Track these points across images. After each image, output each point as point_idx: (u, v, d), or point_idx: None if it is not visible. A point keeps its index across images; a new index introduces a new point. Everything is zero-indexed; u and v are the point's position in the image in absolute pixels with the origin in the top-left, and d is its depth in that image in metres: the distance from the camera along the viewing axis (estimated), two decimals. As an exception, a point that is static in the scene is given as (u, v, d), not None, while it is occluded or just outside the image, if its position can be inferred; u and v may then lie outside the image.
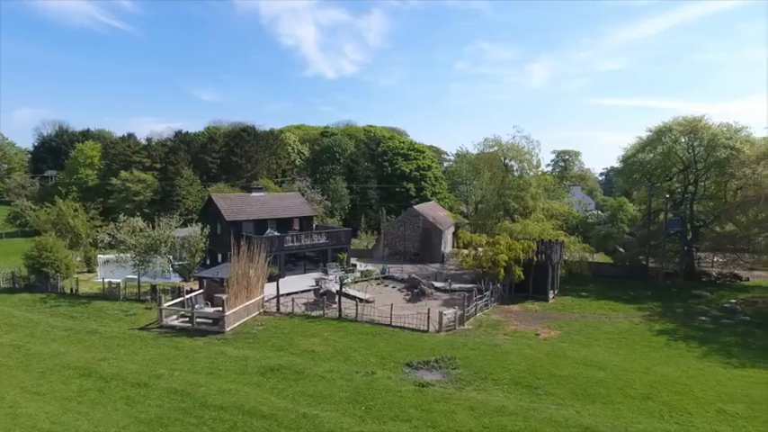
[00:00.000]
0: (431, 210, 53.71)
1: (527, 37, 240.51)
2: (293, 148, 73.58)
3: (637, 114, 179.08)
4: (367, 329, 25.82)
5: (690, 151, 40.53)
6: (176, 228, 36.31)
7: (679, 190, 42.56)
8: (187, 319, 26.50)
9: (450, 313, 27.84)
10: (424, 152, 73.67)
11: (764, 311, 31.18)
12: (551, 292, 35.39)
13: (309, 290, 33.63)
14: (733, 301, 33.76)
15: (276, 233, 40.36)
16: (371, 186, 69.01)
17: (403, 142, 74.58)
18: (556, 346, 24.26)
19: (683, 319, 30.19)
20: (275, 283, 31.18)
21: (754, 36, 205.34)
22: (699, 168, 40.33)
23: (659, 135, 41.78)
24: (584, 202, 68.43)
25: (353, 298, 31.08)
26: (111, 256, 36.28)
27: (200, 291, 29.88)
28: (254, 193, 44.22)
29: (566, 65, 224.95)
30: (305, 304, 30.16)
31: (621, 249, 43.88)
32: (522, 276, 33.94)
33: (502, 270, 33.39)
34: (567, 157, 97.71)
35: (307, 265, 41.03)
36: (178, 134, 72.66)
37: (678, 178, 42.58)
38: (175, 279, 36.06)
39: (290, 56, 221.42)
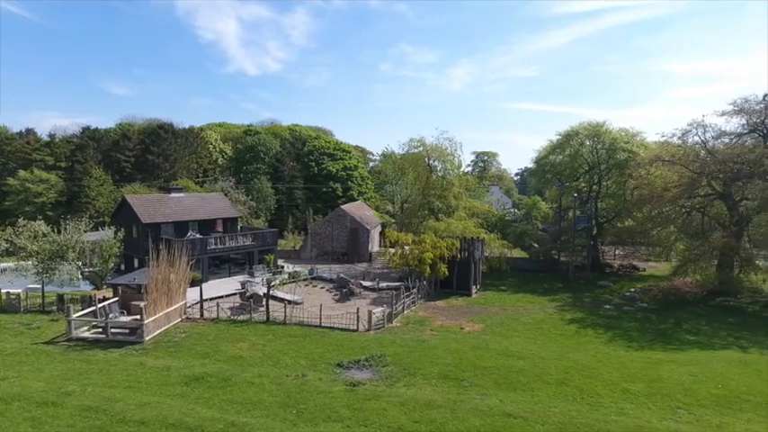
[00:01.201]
0: (358, 209, 54.06)
1: (448, 42, 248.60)
2: (215, 147, 70.76)
3: (548, 118, 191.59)
4: (296, 332, 25.57)
5: (594, 153, 44.14)
6: (86, 232, 33.71)
7: (585, 189, 46.16)
8: (100, 329, 24.76)
9: (378, 312, 28.28)
10: (350, 152, 73.89)
11: (658, 298, 34.67)
12: (474, 287, 37.01)
13: (235, 293, 32.67)
14: (633, 289, 37.28)
15: (198, 235, 38.74)
16: (298, 186, 68.10)
17: (329, 142, 74.31)
18: (479, 338, 25.45)
19: (591, 308, 32.86)
20: (198, 287, 29.95)
21: (647, 49, 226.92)
22: (602, 169, 44.02)
23: (567, 138, 45.19)
24: (502, 201, 72.13)
25: (282, 300, 30.62)
26: (10, 264, 32.97)
27: (115, 299, 28.02)
28: (173, 194, 42.11)
29: (484, 70, 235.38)
30: (231, 309, 29.26)
31: (536, 245, 46.80)
32: (447, 273, 35.19)
33: (428, 267, 34.42)
34: (486, 157, 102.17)
35: (232, 268, 39.76)
36: (86, 130, 67.25)
37: (584, 178, 46.16)
38: (86, 287, 33.50)
39: (209, 50, 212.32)
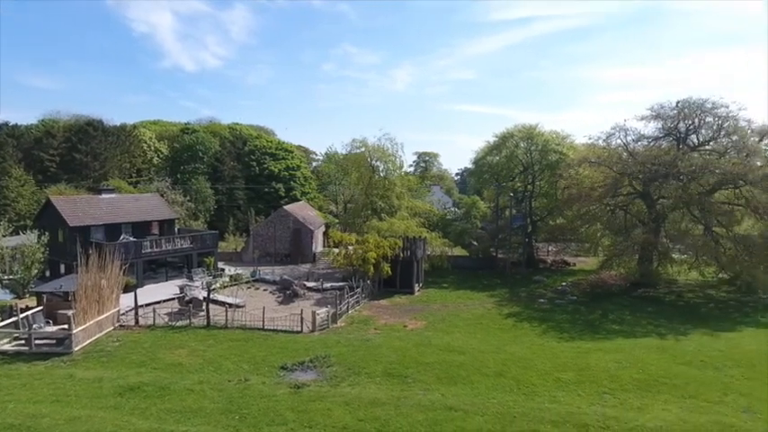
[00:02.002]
0: (301, 210, 53.60)
1: (390, 43, 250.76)
2: (150, 146, 67.58)
3: (487, 120, 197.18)
4: (238, 335, 25.12)
5: (528, 155, 46.29)
6: (5, 236, 31.32)
7: (521, 189, 48.29)
8: (23, 341, 23.16)
9: (322, 312, 28.30)
10: (292, 152, 73.02)
11: (587, 291, 36.93)
12: (417, 285, 37.80)
13: (173, 298, 31.55)
14: (564, 283, 39.47)
15: (132, 238, 37.03)
16: (239, 187, 66.47)
17: (271, 141, 73.05)
18: (422, 335, 26.10)
19: (527, 302, 34.49)
20: (133, 293, 28.67)
21: (575, 56, 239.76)
22: (535, 170, 46.24)
23: (503, 140, 47.14)
24: (443, 200, 73.81)
25: (223, 304, 29.92)
26: None
27: (39, 308, 26.29)
28: (103, 195, 39.99)
29: (426, 72, 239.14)
30: (168, 314, 28.24)
31: (475, 243, 48.40)
32: (390, 272, 35.73)
33: (371, 267, 34.79)
34: (427, 158, 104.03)
35: (169, 272, 38.32)
36: (3, 126, 62.15)
37: (520, 178, 48.28)
38: (5, 296, 31.14)
39: (143, 43, 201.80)
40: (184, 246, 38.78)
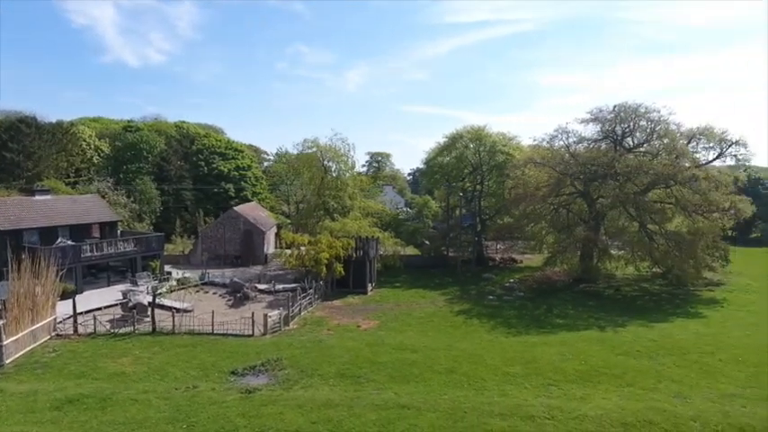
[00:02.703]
0: (252, 210, 52.58)
1: (344, 44, 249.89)
2: (89, 144, 64.09)
3: (438, 121, 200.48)
4: (186, 341, 24.37)
5: (477, 155, 47.53)
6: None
7: (470, 189, 49.54)
8: (-54, 355, 21.48)
9: (274, 315, 27.93)
10: (243, 151, 71.38)
11: (533, 287, 38.37)
12: (370, 285, 37.99)
13: (116, 304, 30.20)
14: (512, 280, 40.84)
15: (70, 242, 35.09)
16: (186, 187, 64.26)
17: (220, 140, 71.05)
18: (375, 335, 26.28)
19: (476, 299, 35.43)
20: (71, 300, 27.20)
21: (522, 60, 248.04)
22: (484, 170, 47.55)
23: (453, 141, 48.19)
24: (396, 200, 74.49)
25: (169, 309, 28.89)
26: None
27: (-35, 319, 24.44)
28: (37, 197, 37.68)
29: (380, 72, 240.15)
30: (111, 321, 27.01)
31: (427, 242, 49.21)
32: (343, 272, 35.73)
33: (324, 268, 34.66)
34: (380, 158, 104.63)
35: (112, 277, 36.65)
36: None
37: (469, 178, 49.49)
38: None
39: (83, 36, 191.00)
40: (128, 249, 37.20)
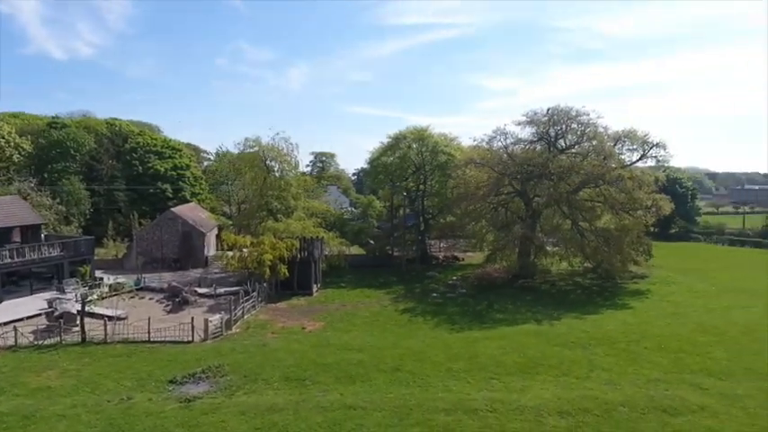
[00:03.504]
0: (191, 211, 50.68)
1: (285, 41, 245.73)
2: (8, 142, 59.16)
3: (382, 122, 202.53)
4: (120, 351, 23.16)
5: (420, 156, 48.29)
6: None
7: (414, 188, 50.24)
8: None
9: (216, 319, 27.10)
10: (180, 150, 68.47)
11: (475, 284, 39.44)
12: (315, 286, 37.68)
13: (40, 314, 28.22)
14: (455, 278, 41.82)
15: (-15, 249, 32.36)
16: (119, 188, 60.84)
17: (155, 139, 67.74)
18: (321, 336, 26.12)
19: (421, 297, 36.01)
20: (-12, 311, 25.13)
21: (463, 63, 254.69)
22: (427, 170, 48.39)
23: (396, 141, 48.72)
24: (340, 200, 74.26)
25: (101, 317, 27.29)
26: None
27: None
28: (-54, 200, 34.43)
29: (323, 72, 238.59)
30: (34, 332, 25.22)
31: (372, 242, 49.43)
32: (288, 274, 35.21)
33: (267, 269, 33.99)
34: (324, 158, 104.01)
35: (35, 285, 34.19)
36: None
37: (413, 178, 50.16)
38: None
39: (2, 26, 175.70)
40: (53, 254, 34.84)
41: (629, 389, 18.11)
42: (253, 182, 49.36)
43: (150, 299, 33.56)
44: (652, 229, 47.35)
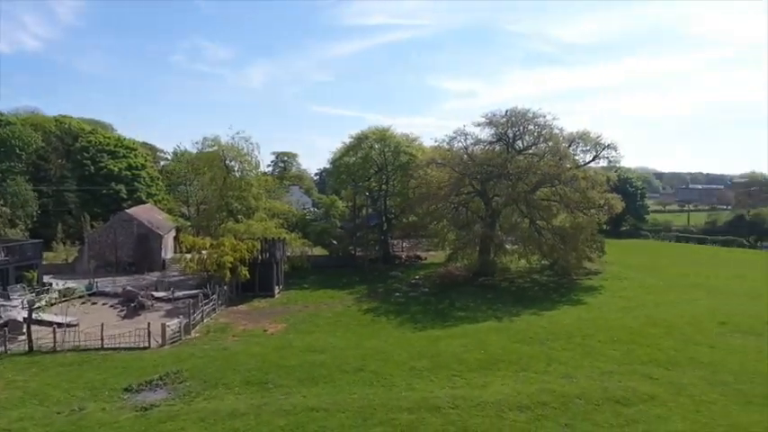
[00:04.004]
0: (147, 213, 49.10)
1: (244, 39, 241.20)
2: (-57, 140, 55.54)
3: (344, 122, 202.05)
4: (71, 359, 22.18)
5: (382, 156, 48.50)
6: None
7: (376, 188, 50.40)
8: None
9: (174, 324, 26.34)
10: (135, 149, 66.10)
11: (437, 283, 39.95)
12: (277, 287, 37.23)
13: (-18, 323, 26.58)
14: (417, 277, 42.23)
15: None
16: (69, 189, 58.17)
17: (108, 137, 65.13)
18: (283, 339, 25.82)
19: (384, 297, 36.16)
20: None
21: (424, 65, 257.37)
22: (389, 170, 48.66)
23: (359, 141, 48.79)
24: (302, 200, 73.68)
25: (50, 324, 26.03)
26: None
27: None
28: None
29: (283, 71, 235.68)
30: (-25, 343, 23.75)
31: (335, 242, 49.24)
32: (249, 276, 34.64)
33: (228, 271, 33.35)
34: (286, 158, 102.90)
35: (-25, 292, 32.21)
36: None
37: (375, 178, 50.30)
38: None
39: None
40: (-4, 259, 32.99)
41: (584, 381, 18.75)
42: (212, 182, 48.24)
43: (104, 304, 32.33)
44: (604, 226, 49.23)
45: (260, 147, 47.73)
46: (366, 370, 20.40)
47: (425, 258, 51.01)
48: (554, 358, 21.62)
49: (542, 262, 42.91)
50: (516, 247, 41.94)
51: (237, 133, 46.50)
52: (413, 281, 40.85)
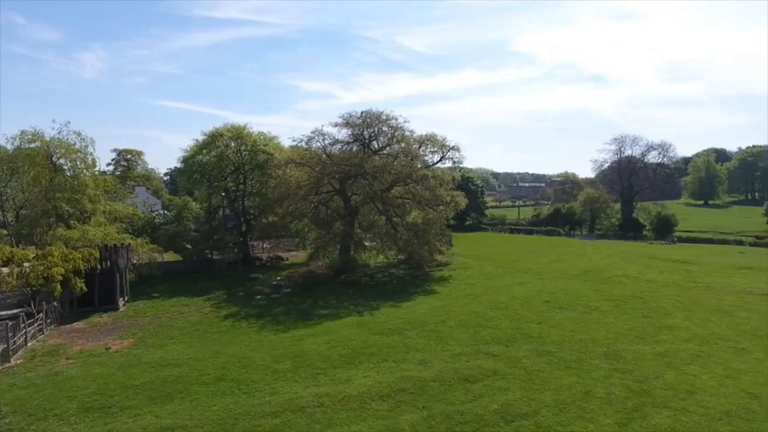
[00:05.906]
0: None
1: (72, 21, 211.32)
2: None
3: (195, 118, 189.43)
4: None
5: (238, 154, 46.82)
6: None
7: (233, 188, 48.46)
8: None
9: (-13, 352, 22.32)
10: None
11: (300, 282, 39.88)
12: (121, 299, 33.80)
13: None
14: (279, 278, 41.64)
15: None
16: None
17: None
18: (129, 355, 23.52)
19: (244, 301, 34.97)
20: None
21: (279, 64, 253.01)
22: (246, 169, 47.18)
23: (213, 139, 46.44)
24: (150, 202, 67.51)
25: None
26: None
27: None
28: None
29: (122, 60, 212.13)
30: None
31: (189, 246, 46.17)
32: (86, 288, 30.82)
33: (58, 285, 29.19)
34: (130, 156, 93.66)
35: None
36: None
37: (232, 178, 48.35)
38: None
39: None
40: None
41: (438, 365, 20.31)
42: (35, 183, 41.55)
43: None
44: (452, 221, 53.80)
45: (95, 143, 42.42)
46: (226, 379, 19.61)
47: (287, 259, 50.44)
48: (411, 346, 22.99)
49: (399, 256, 45.30)
50: (375, 243, 43.72)
51: (65, 125, 40.78)
52: (274, 282, 40.15)
